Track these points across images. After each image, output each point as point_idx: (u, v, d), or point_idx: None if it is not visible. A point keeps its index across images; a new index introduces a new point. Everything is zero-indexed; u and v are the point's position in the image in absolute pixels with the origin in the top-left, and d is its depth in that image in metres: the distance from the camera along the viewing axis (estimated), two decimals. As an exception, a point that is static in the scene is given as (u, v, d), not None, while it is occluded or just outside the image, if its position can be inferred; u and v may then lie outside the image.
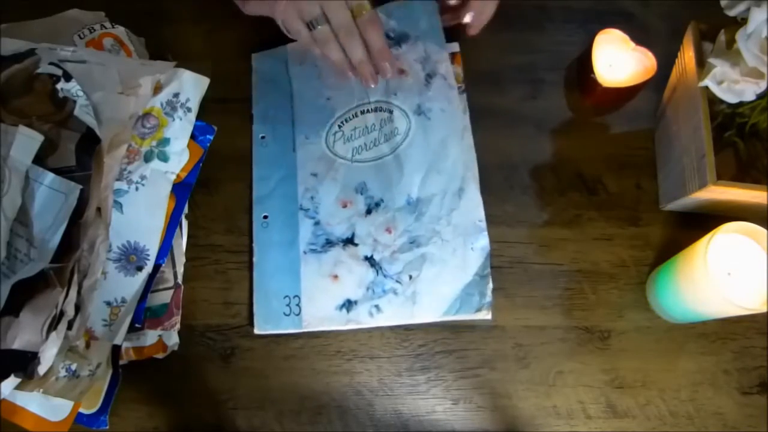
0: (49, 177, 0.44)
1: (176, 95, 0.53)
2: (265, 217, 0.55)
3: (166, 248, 0.51)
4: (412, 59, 0.58)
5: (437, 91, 0.57)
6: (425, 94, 0.57)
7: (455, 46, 0.61)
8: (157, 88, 0.52)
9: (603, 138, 0.60)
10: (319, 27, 0.50)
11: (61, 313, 0.43)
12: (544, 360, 0.52)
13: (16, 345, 0.40)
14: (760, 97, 0.47)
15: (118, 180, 0.50)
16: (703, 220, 0.51)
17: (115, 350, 0.46)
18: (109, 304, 0.48)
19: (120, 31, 0.57)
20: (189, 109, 0.53)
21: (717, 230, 0.45)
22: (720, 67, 0.47)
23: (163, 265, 0.51)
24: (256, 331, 0.51)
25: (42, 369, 0.42)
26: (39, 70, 0.47)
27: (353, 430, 0.50)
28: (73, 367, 0.44)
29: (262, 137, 0.57)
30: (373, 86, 0.52)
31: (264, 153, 0.57)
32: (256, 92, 0.59)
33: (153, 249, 0.50)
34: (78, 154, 0.46)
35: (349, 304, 0.52)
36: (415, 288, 0.52)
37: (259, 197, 0.55)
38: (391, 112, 0.57)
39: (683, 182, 0.52)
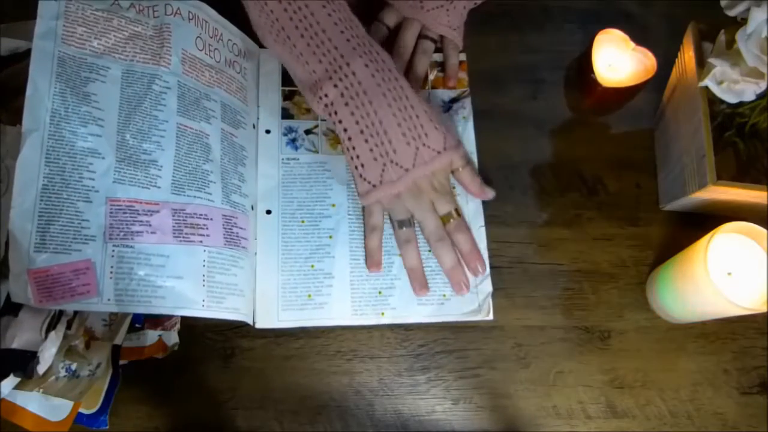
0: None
1: None
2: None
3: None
4: None
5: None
6: None
7: (462, 56, 0.61)
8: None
9: (603, 138, 0.60)
10: (406, 228, 0.52)
11: (60, 313, 0.43)
12: (544, 360, 0.52)
13: (16, 344, 0.40)
14: (760, 97, 0.47)
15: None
16: (703, 220, 0.51)
17: (115, 350, 0.46)
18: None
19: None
20: None
21: (717, 230, 0.45)
22: (720, 67, 0.47)
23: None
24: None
25: (41, 368, 0.41)
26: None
27: (353, 430, 0.50)
28: (73, 367, 0.44)
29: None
30: (466, 290, 0.52)
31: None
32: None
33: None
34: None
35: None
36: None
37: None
38: None
39: (683, 182, 0.52)
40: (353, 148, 0.50)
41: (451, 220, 0.52)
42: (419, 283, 0.52)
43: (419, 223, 0.52)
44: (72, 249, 0.42)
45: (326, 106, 0.50)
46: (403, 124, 0.49)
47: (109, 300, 0.42)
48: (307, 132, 0.57)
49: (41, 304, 0.40)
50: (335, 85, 0.48)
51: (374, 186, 0.50)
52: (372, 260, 0.53)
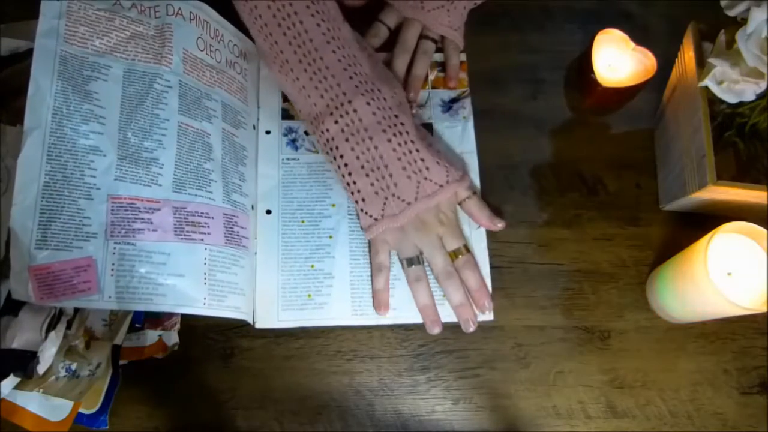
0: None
1: None
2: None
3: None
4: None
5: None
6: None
7: (462, 56, 0.61)
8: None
9: (603, 138, 0.60)
10: (414, 266, 0.51)
11: (60, 313, 0.43)
12: (544, 360, 0.52)
13: (16, 344, 0.40)
14: (760, 97, 0.47)
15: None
16: (703, 220, 0.51)
17: (115, 350, 0.46)
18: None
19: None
20: None
21: (717, 230, 0.45)
22: (720, 67, 0.47)
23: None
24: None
25: (41, 368, 0.42)
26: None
27: (353, 430, 0.50)
28: (73, 366, 0.44)
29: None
30: (471, 330, 0.50)
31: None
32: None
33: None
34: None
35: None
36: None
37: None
38: None
39: (683, 182, 0.52)
40: (354, 183, 0.50)
41: (460, 257, 0.51)
42: (432, 320, 0.51)
43: (428, 259, 0.51)
44: (73, 246, 0.42)
45: (327, 141, 0.50)
46: (403, 158, 0.49)
47: (110, 297, 0.42)
48: (307, 132, 0.57)
49: (42, 301, 0.40)
50: (336, 121, 0.49)
51: (376, 220, 0.50)
52: (379, 302, 0.52)
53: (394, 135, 0.49)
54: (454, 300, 0.51)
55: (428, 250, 0.51)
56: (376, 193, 0.50)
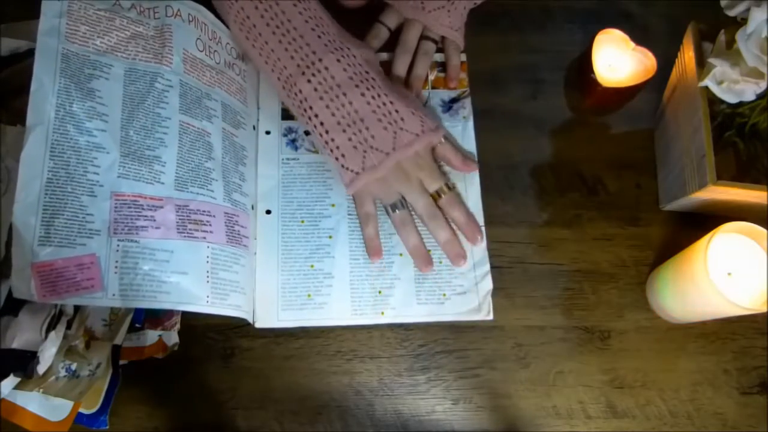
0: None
1: None
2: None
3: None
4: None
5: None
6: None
7: (462, 56, 0.61)
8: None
9: (603, 138, 0.60)
10: (399, 211, 0.53)
11: (60, 313, 0.43)
12: (544, 360, 0.52)
13: (16, 344, 0.40)
14: (760, 97, 0.47)
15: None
16: (703, 220, 0.51)
17: (115, 350, 0.46)
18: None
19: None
20: None
21: (717, 230, 0.45)
22: (720, 67, 0.47)
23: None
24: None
25: (41, 368, 0.41)
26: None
27: (353, 430, 0.50)
28: (73, 367, 0.44)
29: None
30: (464, 262, 0.52)
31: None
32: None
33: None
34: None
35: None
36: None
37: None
38: None
39: (683, 182, 0.52)
40: (332, 140, 0.50)
41: (443, 196, 0.53)
42: (423, 260, 0.53)
43: (411, 204, 0.53)
44: (76, 243, 0.42)
45: (301, 102, 0.51)
46: (378, 110, 0.50)
47: (113, 295, 0.42)
48: (307, 132, 0.58)
49: (45, 298, 0.40)
50: (309, 80, 0.50)
51: (357, 173, 0.51)
52: (371, 248, 0.53)
53: (367, 89, 0.50)
54: (441, 237, 0.52)
55: (410, 195, 0.52)
56: (355, 147, 0.50)
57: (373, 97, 0.50)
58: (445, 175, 0.55)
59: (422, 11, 0.58)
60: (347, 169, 0.51)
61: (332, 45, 0.50)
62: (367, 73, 0.51)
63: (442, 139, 0.54)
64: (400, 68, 0.59)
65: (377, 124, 0.50)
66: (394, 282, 0.53)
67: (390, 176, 0.51)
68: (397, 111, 0.51)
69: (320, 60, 0.50)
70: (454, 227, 0.54)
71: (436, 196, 0.53)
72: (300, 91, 0.50)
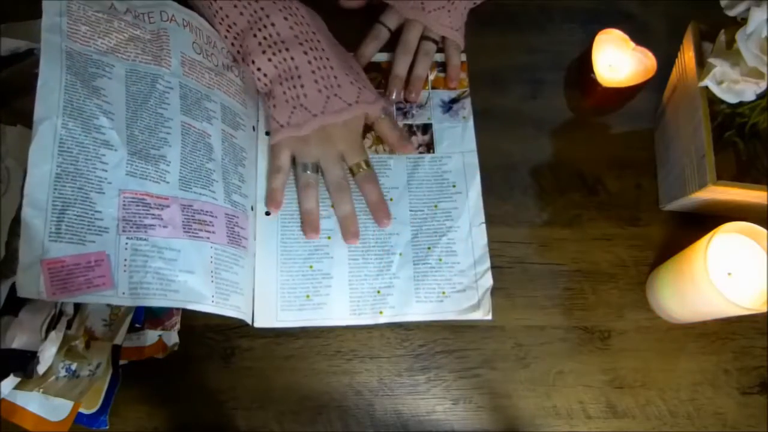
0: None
1: None
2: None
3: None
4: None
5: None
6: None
7: (462, 56, 0.61)
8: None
9: (603, 138, 0.60)
10: (308, 173, 0.53)
11: (60, 313, 0.43)
12: (544, 360, 0.52)
13: (16, 344, 0.40)
14: (760, 97, 0.47)
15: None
16: (703, 220, 0.51)
17: (115, 350, 0.46)
18: (109, 304, 0.48)
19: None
20: None
21: (717, 230, 0.45)
22: (720, 67, 0.47)
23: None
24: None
25: (41, 368, 0.41)
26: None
27: (353, 430, 0.50)
28: (73, 367, 0.44)
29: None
30: (355, 241, 0.53)
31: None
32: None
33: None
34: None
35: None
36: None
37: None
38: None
39: (683, 182, 0.52)
40: (270, 92, 0.52)
41: (361, 170, 0.54)
42: (312, 227, 0.53)
43: (323, 170, 0.54)
44: (86, 240, 0.42)
45: (245, 57, 0.53)
46: (317, 72, 0.51)
47: (124, 293, 0.42)
48: None
49: (54, 296, 0.40)
50: (254, 35, 0.52)
51: (282, 126, 0.52)
52: (272, 200, 0.54)
53: (311, 49, 0.52)
54: (341, 211, 0.53)
55: (325, 162, 0.53)
56: (287, 101, 0.52)
57: (315, 58, 0.51)
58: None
59: (422, 11, 0.58)
60: (275, 119, 0.53)
61: (281, 3, 0.52)
62: (314, 33, 0.52)
63: (382, 115, 0.54)
64: (401, 69, 0.59)
65: (313, 85, 0.51)
66: (393, 281, 0.53)
67: (312, 138, 0.52)
68: (336, 77, 0.52)
69: (268, 16, 0.51)
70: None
71: (354, 170, 0.54)
72: (248, 46, 0.52)
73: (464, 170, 0.57)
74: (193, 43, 0.52)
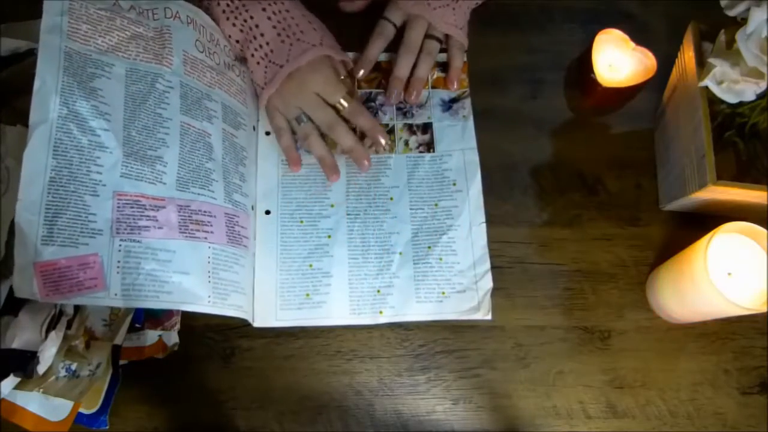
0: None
1: None
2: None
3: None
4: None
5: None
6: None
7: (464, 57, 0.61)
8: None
9: (603, 138, 0.60)
10: (303, 124, 0.54)
11: (60, 313, 0.43)
12: (544, 360, 0.52)
13: (16, 344, 0.40)
14: (760, 97, 0.47)
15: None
16: (703, 220, 0.51)
17: (115, 350, 0.46)
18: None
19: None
20: None
21: (717, 230, 0.45)
22: (720, 67, 0.47)
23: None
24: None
25: (41, 368, 0.41)
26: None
27: (353, 430, 0.50)
28: (73, 367, 0.44)
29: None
30: (367, 165, 0.54)
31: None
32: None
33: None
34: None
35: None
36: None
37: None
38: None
39: (683, 182, 0.52)
40: (245, 58, 0.54)
41: (346, 105, 0.54)
42: (330, 168, 0.55)
43: (310, 117, 0.54)
44: (79, 243, 0.42)
45: (214, 26, 0.53)
46: (278, 25, 0.52)
47: (116, 294, 0.42)
48: None
49: (47, 298, 0.40)
50: (218, 3, 0.53)
51: (262, 88, 0.54)
52: (290, 159, 0.55)
53: (269, 4, 0.52)
54: (345, 144, 0.54)
55: (307, 109, 0.54)
56: (258, 62, 0.53)
57: (274, 12, 0.52)
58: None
59: (427, 8, 0.58)
60: (255, 84, 0.54)
61: None
62: None
63: (343, 76, 0.56)
64: (404, 69, 0.58)
65: (276, 38, 0.52)
66: (393, 281, 0.53)
67: (287, 91, 0.53)
68: (297, 24, 0.52)
69: None
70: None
71: (339, 107, 0.54)
72: (213, 15, 0.53)
73: (465, 168, 0.57)
74: (196, 41, 0.52)
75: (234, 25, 0.53)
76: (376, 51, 0.59)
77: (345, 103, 0.54)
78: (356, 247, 0.54)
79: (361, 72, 0.58)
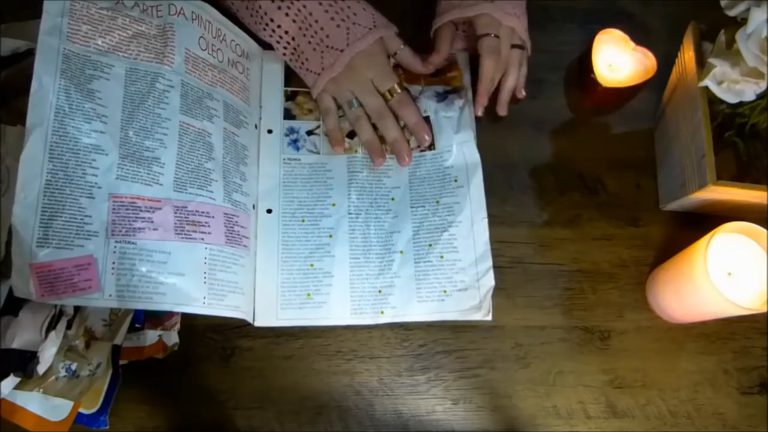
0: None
1: None
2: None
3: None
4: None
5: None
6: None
7: (462, 56, 0.61)
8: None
9: (603, 138, 0.60)
10: (354, 108, 0.55)
11: (60, 313, 0.43)
12: (544, 360, 0.52)
13: (16, 344, 0.40)
14: (760, 97, 0.47)
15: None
16: (703, 220, 0.51)
17: (115, 350, 0.46)
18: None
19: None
20: None
21: (717, 230, 0.45)
22: (720, 67, 0.47)
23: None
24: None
25: (41, 368, 0.41)
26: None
27: (353, 430, 0.50)
28: (73, 367, 0.44)
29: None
30: (407, 161, 0.55)
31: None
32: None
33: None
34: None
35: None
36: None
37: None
38: None
39: (683, 182, 0.52)
40: (298, 46, 0.54)
41: (394, 95, 0.54)
42: (377, 153, 0.55)
43: (361, 102, 0.55)
44: (74, 245, 0.42)
45: (262, 17, 0.53)
46: (330, 9, 0.52)
47: (110, 295, 0.42)
48: (309, 133, 0.58)
49: (43, 298, 0.40)
50: (272, 0, 0.53)
51: (318, 74, 0.54)
52: (333, 140, 0.56)
53: None
54: (390, 135, 0.55)
55: (360, 94, 0.55)
56: (314, 49, 0.53)
57: None
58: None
59: (514, 17, 0.56)
60: (309, 71, 0.54)
61: None
62: None
63: (401, 45, 0.56)
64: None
65: (330, 23, 0.52)
66: (394, 280, 0.53)
67: (342, 76, 0.54)
68: (349, 7, 0.53)
69: None
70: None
71: (387, 96, 0.55)
72: (260, 7, 0.53)
73: (466, 163, 0.56)
74: (200, 38, 0.52)
75: (287, 14, 0.52)
76: (492, 71, 0.56)
77: (397, 91, 0.54)
78: (357, 247, 0.54)
79: (430, 67, 0.57)
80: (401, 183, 0.56)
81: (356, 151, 0.57)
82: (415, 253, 0.54)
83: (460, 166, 0.56)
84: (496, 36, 0.55)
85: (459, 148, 0.57)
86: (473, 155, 0.56)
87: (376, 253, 0.54)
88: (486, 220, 0.54)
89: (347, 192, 0.56)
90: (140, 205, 0.45)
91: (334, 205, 0.55)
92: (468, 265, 0.53)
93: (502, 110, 0.58)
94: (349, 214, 0.55)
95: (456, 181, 0.56)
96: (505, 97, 0.58)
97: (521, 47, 0.58)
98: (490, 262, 0.53)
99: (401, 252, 0.54)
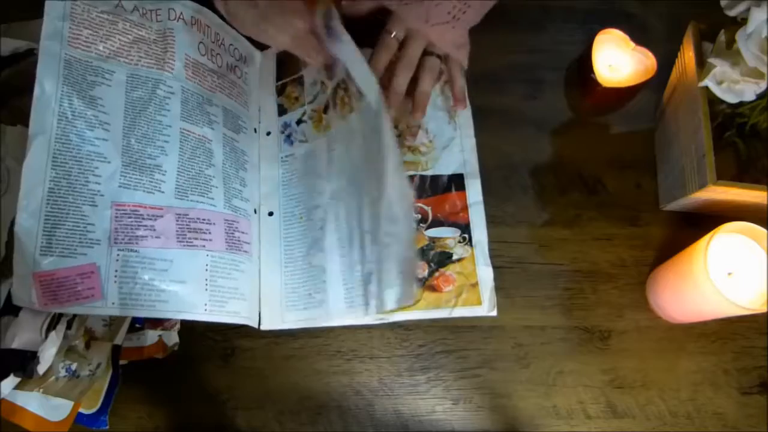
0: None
1: None
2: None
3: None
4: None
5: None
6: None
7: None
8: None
9: (603, 138, 0.60)
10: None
11: (61, 313, 0.43)
12: (544, 360, 0.52)
13: (16, 344, 0.40)
14: (760, 97, 0.47)
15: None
16: (703, 220, 0.51)
17: (115, 350, 0.46)
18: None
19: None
20: None
21: (717, 230, 0.45)
22: (720, 67, 0.47)
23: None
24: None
25: (41, 368, 0.42)
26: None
27: (353, 430, 0.50)
28: (73, 367, 0.44)
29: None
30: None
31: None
32: None
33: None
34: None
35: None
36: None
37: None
38: None
39: (683, 182, 0.52)
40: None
41: (431, 58, 0.54)
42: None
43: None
44: (77, 253, 0.42)
45: None
46: None
47: (113, 304, 0.43)
48: (298, 122, 0.57)
49: (46, 307, 0.40)
50: None
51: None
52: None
53: None
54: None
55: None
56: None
57: None
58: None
59: (426, 24, 0.55)
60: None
61: None
62: None
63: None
64: (402, 85, 0.55)
65: None
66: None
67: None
68: None
69: None
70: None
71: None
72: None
73: (464, 166, 0.56)
74: (200, 43, 0.52)
75: None
76: (380, 65, 0.55)
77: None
78: (343, 235, 0.52)
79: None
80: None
81: (330, 128, 0.55)
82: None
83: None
84: (396, 38, 0.55)
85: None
86: (472, 161, 0.56)
87: (358, 235, 0.51)
88: (482, 206, 0.54)
89: (328, 175, 0.54)
90: (142, 212, 0.45)
91: (321, 194, 0.53)
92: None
93: (415, 114, 0.56)
94: (331, 199, 0.53)
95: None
96: (418, 99, 0.55)
97: (438, 56, 0.56)
98: (490, 268, 0.52)
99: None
